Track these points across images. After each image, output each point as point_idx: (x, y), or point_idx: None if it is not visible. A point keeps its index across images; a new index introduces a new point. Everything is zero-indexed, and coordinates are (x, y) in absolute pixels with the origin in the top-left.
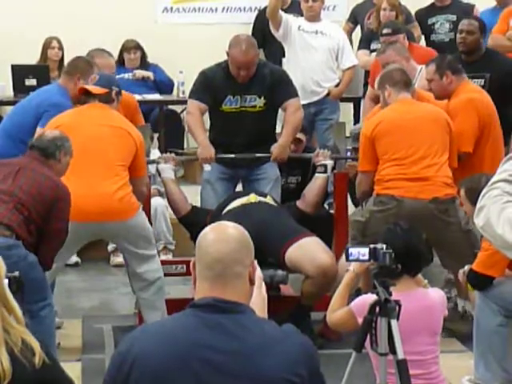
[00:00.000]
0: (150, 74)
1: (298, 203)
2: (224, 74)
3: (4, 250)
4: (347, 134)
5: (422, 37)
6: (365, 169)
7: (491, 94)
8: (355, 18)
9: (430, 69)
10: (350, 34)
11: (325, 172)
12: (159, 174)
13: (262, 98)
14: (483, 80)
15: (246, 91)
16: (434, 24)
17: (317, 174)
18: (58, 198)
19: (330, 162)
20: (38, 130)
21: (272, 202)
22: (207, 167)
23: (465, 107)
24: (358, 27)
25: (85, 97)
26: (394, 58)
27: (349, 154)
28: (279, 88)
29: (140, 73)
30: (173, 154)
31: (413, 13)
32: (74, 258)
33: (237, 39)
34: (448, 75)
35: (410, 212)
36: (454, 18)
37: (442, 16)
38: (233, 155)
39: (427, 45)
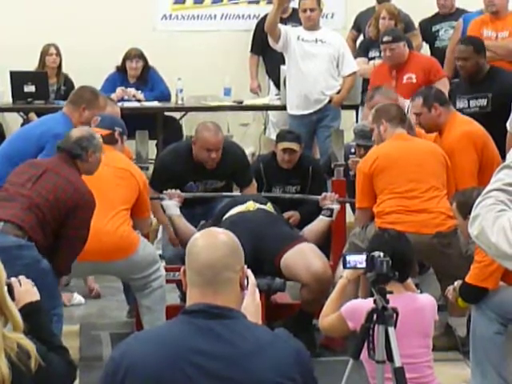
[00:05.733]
0: (140, 97)
1: None
2: (185, 162)
3: (15, 249)
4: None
5: (427, 46)
6: (363, 205)
7: (494, 111)
8: (359, 26)
9: (417, 102)
10: (354, 41)
11: (330, 216)
12: (164, 211)
13: (223, 182)
14: (485, 100)
15: (208, 178)
16: (438, 31)
17: (321, 217)
18: (78, 206)
19: (336, 207)
20: None
21: (271, 210)
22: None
23: (460, 143)
24: (362, 35)
25: None
26: (382, 102)
27: (352, 150)
28: (239, 175)
29: (131, 92)
30: (178, 191)
31: (416, 20)
32: None
33: (203, 124)
34: (436, 107)
35: (413, 246)
36: None
37: (446, 23)
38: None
39: (432, 52)
